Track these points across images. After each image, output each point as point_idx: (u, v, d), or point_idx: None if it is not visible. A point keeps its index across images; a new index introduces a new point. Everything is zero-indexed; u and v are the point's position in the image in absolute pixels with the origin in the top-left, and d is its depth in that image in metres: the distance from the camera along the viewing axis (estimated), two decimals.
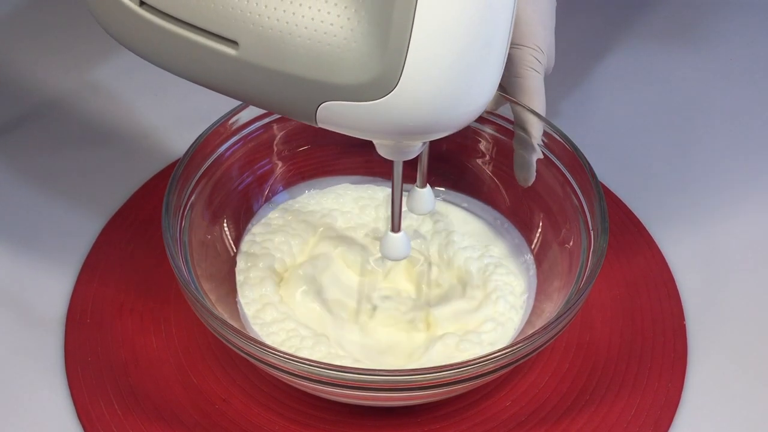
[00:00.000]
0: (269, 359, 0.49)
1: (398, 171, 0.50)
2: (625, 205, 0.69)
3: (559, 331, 0.51)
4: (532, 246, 0.62)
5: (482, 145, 0.64)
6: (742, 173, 0.73)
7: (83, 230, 0.66)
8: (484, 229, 0.64)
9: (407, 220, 0.63)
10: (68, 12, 0.86)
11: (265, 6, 0.40)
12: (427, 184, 0.57)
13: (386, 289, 0.60)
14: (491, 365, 0.49)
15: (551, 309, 0.56)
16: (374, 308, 0.59)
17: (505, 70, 0.43)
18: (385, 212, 0.65)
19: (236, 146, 0.62)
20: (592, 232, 0.56)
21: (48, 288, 0.62)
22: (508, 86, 0.60)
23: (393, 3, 0.38)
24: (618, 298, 0.62)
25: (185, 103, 0.75)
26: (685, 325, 0.61)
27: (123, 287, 0.62)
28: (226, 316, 0.53)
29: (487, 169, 0.65)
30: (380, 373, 0.48)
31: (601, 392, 0.57)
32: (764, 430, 0.56)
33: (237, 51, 0.41)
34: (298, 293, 0.59)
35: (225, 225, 0.62)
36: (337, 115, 0.41)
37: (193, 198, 0.58)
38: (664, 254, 0.65)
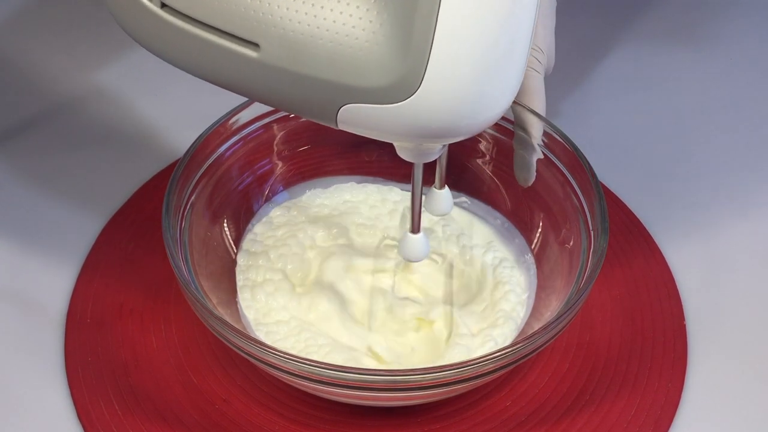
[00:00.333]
0: (269, 359, 0.49)
1: (418, 173, 0.50)
2: (625, 205, 0.69)
3: (559, 331, 0.51)
4: (532, 246, 0.62)
5: (482, 145, 0.64)
6: (742, 173, 0.73)
7: (83, 230, 0.66)
8: (484, 229, 0.64)
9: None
10: (68, 14, 0.86)
11: (287, 8, 0.40)
12: (446, 185, 0.57)
13: (404, 290, 0.60)
14: (491, 365, 0.49)
15: (551, 309, 0.56)
16: (391, 308, 0.59)
17: None
18: (398, 212, 0.65)
19: (236, 146, 0.62)
20: (592, 232, 0.56)
21: (48, 288, 0.62)
22: None
23: (415, 7, 0.38)
24: (618, 298, 0.62)
25: (185, 103, 0.75)
26: (685, 325, 0.61)
27: (123, 287, 0.62)
28: (226, 317, 0.53)
29: (487, 169, 0.65)
30: (380, 373, 0.48)
31: (601, 392, 0.57)
32: (764, 430, 0.56)
33: (258, 53, 0.41)
34: (311, 293, 0.59)
35: (225, 225, 0.62)
36: (358, 118, 0.41)
37: (193, 198, 0.58)
38: (664, 254, 0.65)
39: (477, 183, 0.65)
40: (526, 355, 0.50)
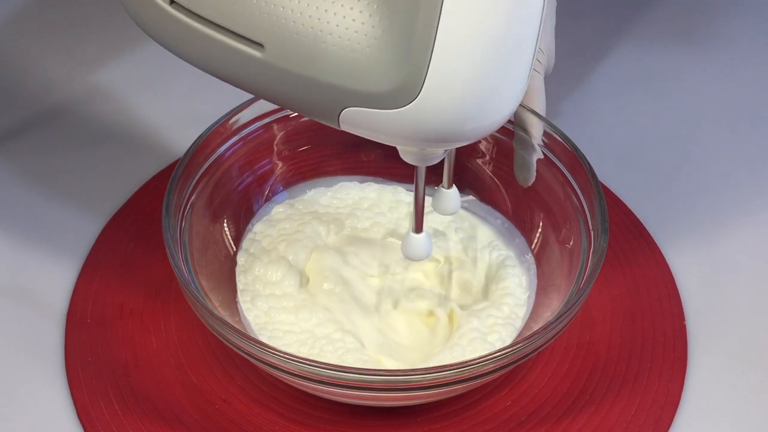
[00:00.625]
0: (269, 359, 0.49)
1: (422, 173, 0.50)
2: (625, 205, 0.69)
3: (559, 331, 0.51)
4: (532, 246, 0.62)
5: (482, 145, 0.64)
6: (742, 173, 0.73)
7: (83, 230, 0.66)
8: (485, 229, 0.64)
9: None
10: (68, 14, 0.86)
11: (291, 11, 0.40)
12: (453, 185, 0.57)
13: (407, 283, 0.60)
14: (491, 365, 0.49)
15: (551, 309, 0.56)
16: (396, 302, 0.59)
17: None
18: (399, 211, 0.65)
19: (236, 146, 0.62)
20: (592, 232, 0.56)
21: (48, 288, 0.62)
22: None
23: (416, 15, 0.38)
24: (618, 298, 0.62)
25: (185, 103, 0.75)
26: (685, 325, 0.61)
27: (123, 287, 0.62)
28: (226, 316, 0.53)
29: (487, 169, 0.65)
30: (380, 373, 0.49)
31: (601, 392, 0.57)
32: (764, 430, 0.56)
33: (262, 53, 0.42)
34: (317, 285, 0.59)
35: (225, 225, 0.62)
36: (359, 121, 0.42)
37: (193, 198, 0.58)
38: (664, 254, 0.65)
39: (477, 183, 0.65)
40: (526, 355, 0.50)
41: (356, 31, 0.40)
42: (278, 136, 0.64)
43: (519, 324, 0.58)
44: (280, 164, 0.65)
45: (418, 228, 0.54)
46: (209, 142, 0.60)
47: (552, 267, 0.59)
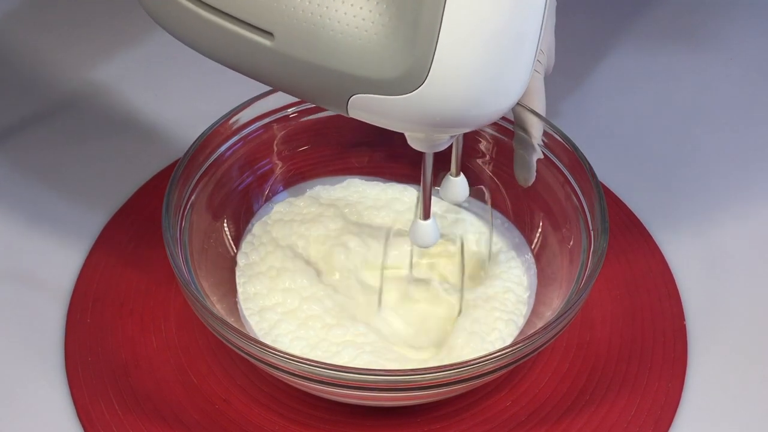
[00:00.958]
0: (269, 359, 0.49)
1: (429, 160, 0.51)
2: (625, 205, 0.69)
3: (559, 331, 0.51)
4: (532, 246, 0.62)
5: (482, 145, 0.64)
6: (742, 173, 0.73)
7: (84, 230, 0.66)
8: (485, 228, 0.64)
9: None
10: (69, 11, 0.86)
11: (300, 0, 0.41)
12: (461, 173, 0.57)
13: (416, 272, 0.60)
14: (491, 365, 0.49)
15: (551, 309, 0.56)
16: (404, 292, 0.59)
17: None
18: (403, 204, 0.65)
19: (236, 146, 0.62)
20: (592, 232, 0.56)
21: (48, 287, 0.62)
22: None
23: (422, 3, 0.39)
24: (618, 298, 0.62)
25: (185, 103, 0.75)
26: (685, 325, 0.61)
27: (123, 287, 0.62)
28: (226, 316, 0.53)
29: (487, 169, 0.65)
30: (380, 373, 0.49)
31: (601, 392, 0.57)
32: (764, 430, 0.56)
33: (272, 42, 0.43)
34: (320, 281, 0.59)
35: (225, 225, 0.62)
36: (368, 107, 0.42)
37: (193, 198, 0.58)
38: (664, 254, 0.65)
39: (477, 183, 0.65)
40: (526, 355, 0.50)
41: (363, 19, 0.40)
42: (278, 136, 0.64)
43: (521, 322, 0.58)
44: (280, 164, 0.65)
45: (426, 215, 0.54)
46: (209, 142, 0.60)
47: (552, 267, 0.59)
